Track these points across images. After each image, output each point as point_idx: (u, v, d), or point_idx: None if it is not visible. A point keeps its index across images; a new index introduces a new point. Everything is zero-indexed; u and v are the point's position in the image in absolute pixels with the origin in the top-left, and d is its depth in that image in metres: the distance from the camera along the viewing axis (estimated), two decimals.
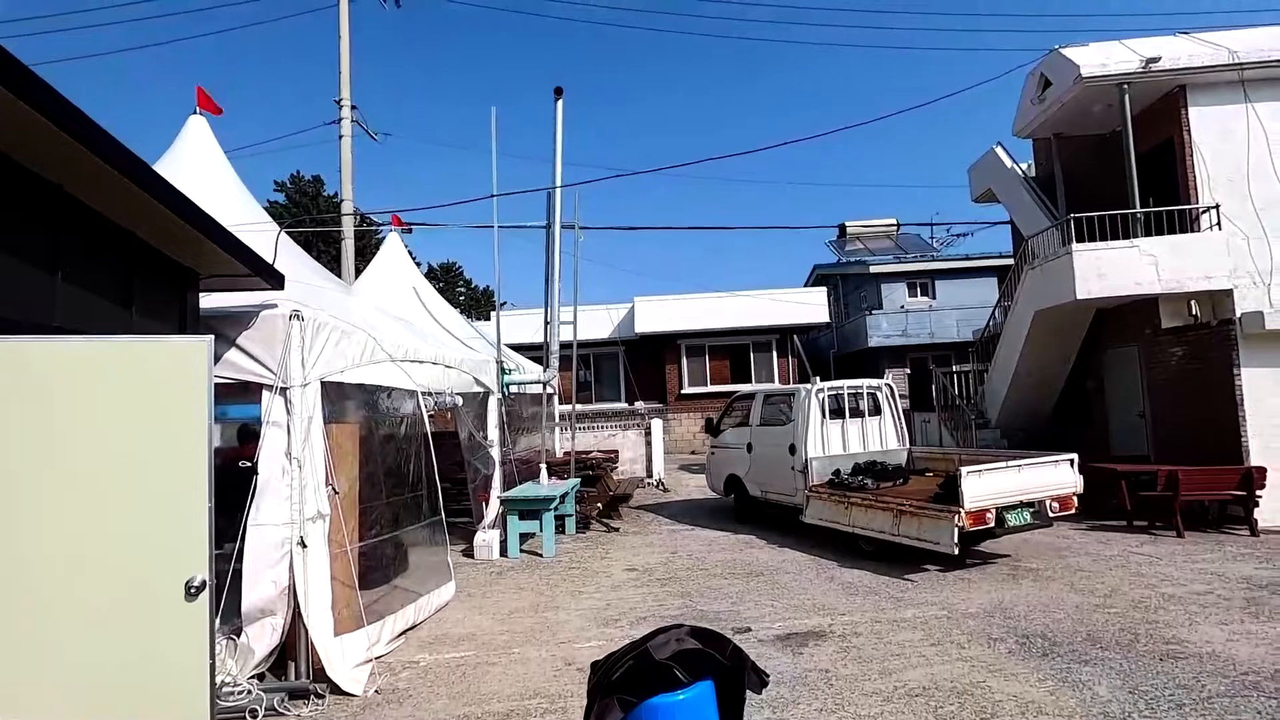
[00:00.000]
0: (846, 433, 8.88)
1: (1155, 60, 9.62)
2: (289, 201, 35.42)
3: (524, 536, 8.55)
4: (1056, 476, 7.07)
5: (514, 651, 5.12)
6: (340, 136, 14.72)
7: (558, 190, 10.06)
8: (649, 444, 14.38)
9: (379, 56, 63.82)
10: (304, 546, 4.40)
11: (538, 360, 11.84)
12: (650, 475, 14.23)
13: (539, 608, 6.22)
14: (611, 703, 2.70)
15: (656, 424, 14.48)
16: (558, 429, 13.05)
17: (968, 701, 4.01)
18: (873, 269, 22.47)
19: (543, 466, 9.15)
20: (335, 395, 5.04)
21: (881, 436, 9.12)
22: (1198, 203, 9.53)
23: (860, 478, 7.99)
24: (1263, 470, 8.06)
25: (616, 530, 9.66)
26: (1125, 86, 9.78)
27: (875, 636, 5.13)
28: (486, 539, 8.16)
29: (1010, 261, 14.46)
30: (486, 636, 5.50)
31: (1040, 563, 7.07)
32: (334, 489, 4.64)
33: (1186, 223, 9.57)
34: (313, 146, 56.03)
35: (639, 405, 20.28)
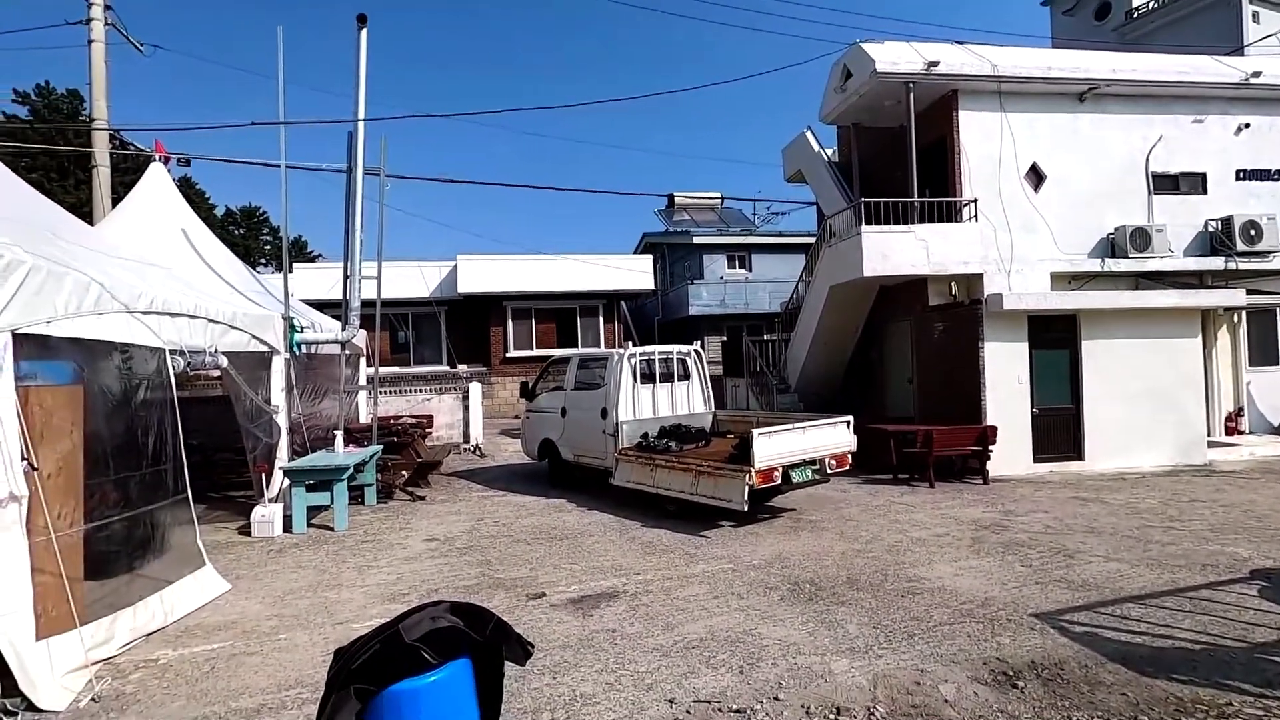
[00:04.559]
0: (656, 397, 9.11)
1: (935, 64, 10.71)
2: (35, 117, 29.16)
3: (313, 510, 7.83)
4: (835, 437, 7.77)
5: (280, 638, 4.62)
6: (90, 41, 12.30)
7: (360, 125, 9.10)
8: (467, 408, 13.85)
9: None
10: None
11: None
12: (467, 441, 13.75)
13: (319, 587, 5.70)
14: (347, 694, 2.45)
15: (475, 388, 13.97)
16: (363, 393, 12.11)
17: (738, 649, 4.25)
18: (696, 240, 23.31)
19: (338, 433, 8.40)
20: (39, 352, 4.13)
21: (689, 401, 9.48)
22: (961, 196, 10.84)
23: (665, 440, 8.24)
24: (994, 429, 9.49)
25: (422, 499, 9.19)
26: (911, 85, 10.80)
27: (664, 593, 5.31)
28: (266, 514, 7.34)
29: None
30: (251, 623, 4.92)
31: (819, 515, 7.77)
32: (31, 464, 3.81)
33: (952, 213, 10.85)
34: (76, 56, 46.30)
35: (461, 368, 19.52)
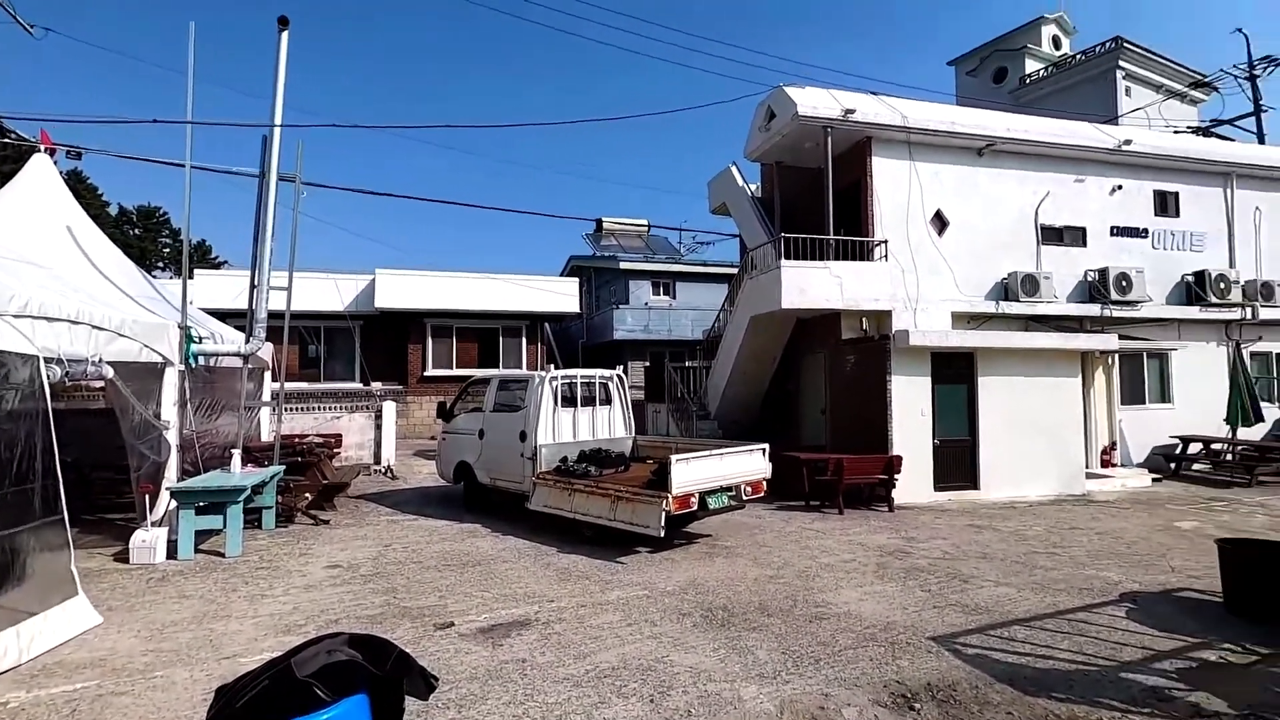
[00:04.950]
0: (577, 421, 9.06)
1: (851, 112, 11.35)
2: None
3: (203, 535, 7.28)
4: (751, 464, 7.95)
5: (155, 676, 4.24)
6: None
7: (275, 131, 8.72)
8: (379, 428, 13.31)
9: None
10: None
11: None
12: (378, 462, 13.20)
13: (205, 618, 5.29)
14: None
15: (389, 406, 13.46)
16: (267, 409, 11.44)
17: (650, 677, 4.23)
18: (623, 265, 23.52)
19: (235, 452, 7.88)
20: None
21: (610, 425, 9.47)
22: (873, 237, 11.46)
23: (585, 465, 8.19)
24: (900, 458, 9.96)
25: (326, 523, 8.72)
26: (829, 129, 11.39)
27: (578, 621, 5.23)
28: (148, 539, 6.77)
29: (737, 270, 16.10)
30: (122, 659, 4.49)
31: (734, 541, 7.90)
32: None
33: (865, 252, 11.44)
34: None
35: (375, 386, 18.76)
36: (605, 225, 25.41)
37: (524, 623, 5.20)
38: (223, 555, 7.10)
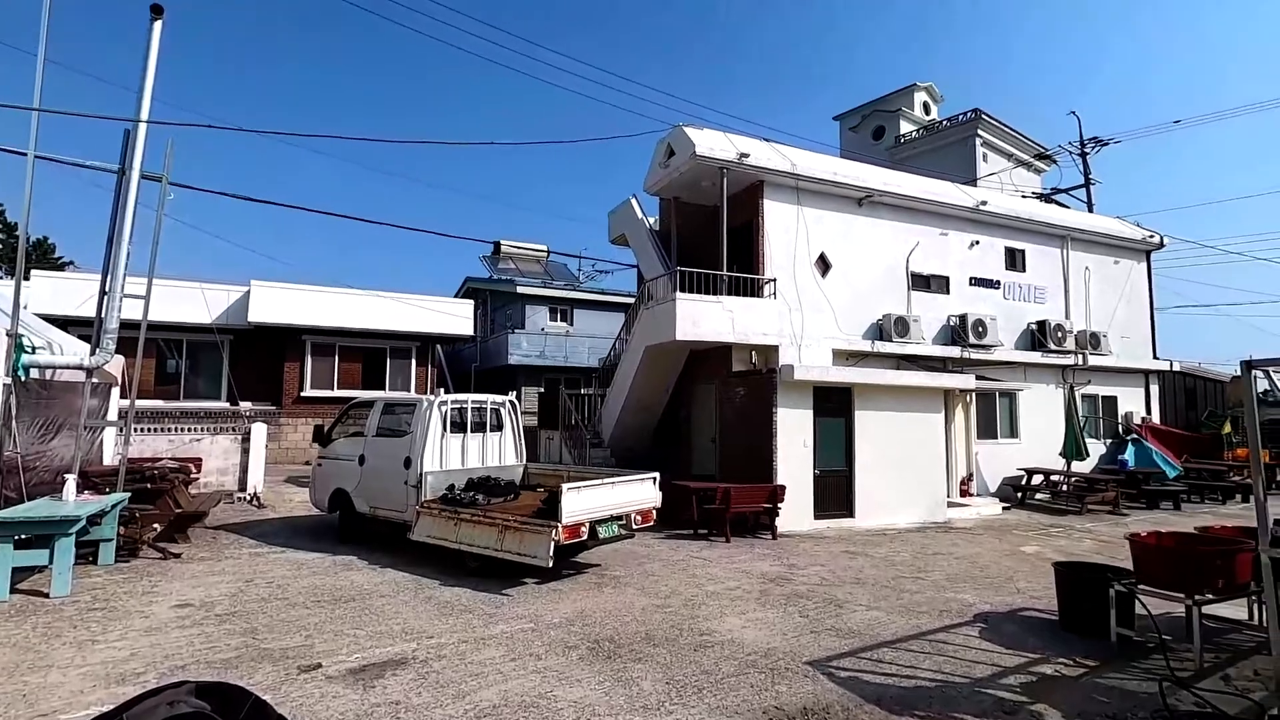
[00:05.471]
0: (466, 448, 8.79)
1: (746, 155, 11.95)
2: None
3: (23, 572, 6.39)
4: (642, 493, 8.00)
5: None
6: None
7: (141, 126, 8.01)
8: (247, 452, 12.29)
9: None
10: None
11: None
12: (244, 489, 12.15)
13: (18, 669, 4.61)
14: None
15: (259, 428, 12.47)
16: (112, 430, 10.28)
17: (532, 714, 4.11)
18: (520, 289, 23.27)
19: (70, 477, 7.01)
20: None
21: (501, 452, 9.26)
22: (764, 275, 12.03)
23: (473, 493, 7.93)
24: (783, 488, 10.38)
25: (177, 557, 7.89)
26: (725, 170, 11.92)
27: (459, 658, 5.01)
28: None
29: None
30: None
31: (623, 570, 7.88)
32: None
33: (756, 289, 11.98)
34: None
35: (245, 406, 17.42)
36: (504, 248, 25.11)
37: (400, 661, 4.91)
38: (46, 596, 6.24)
